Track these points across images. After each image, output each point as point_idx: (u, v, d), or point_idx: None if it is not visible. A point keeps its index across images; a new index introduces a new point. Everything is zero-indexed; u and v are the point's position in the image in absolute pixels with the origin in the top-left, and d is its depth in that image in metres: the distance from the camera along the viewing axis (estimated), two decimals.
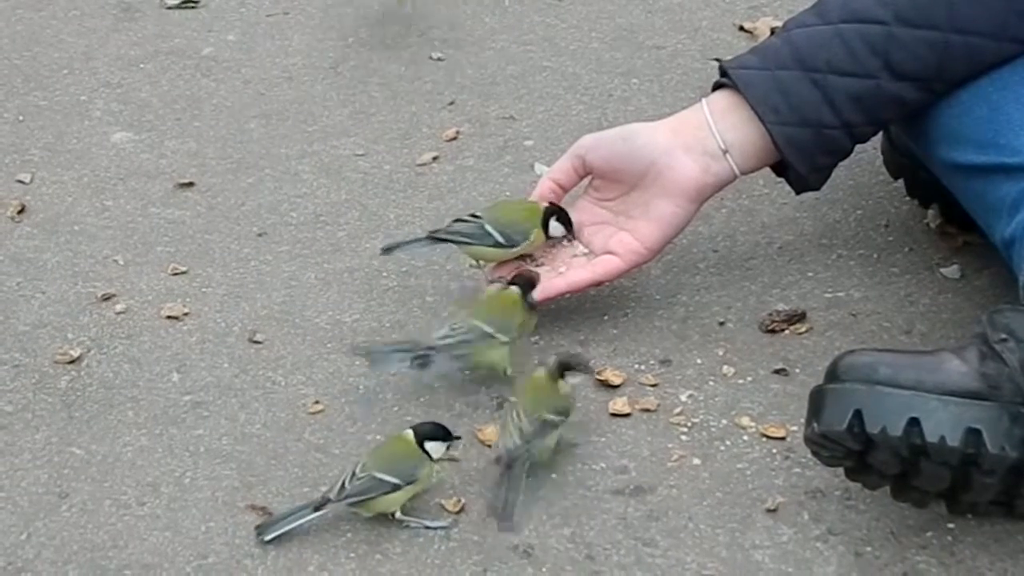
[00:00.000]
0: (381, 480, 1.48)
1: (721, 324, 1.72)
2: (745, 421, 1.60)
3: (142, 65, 2.18)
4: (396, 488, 1.48)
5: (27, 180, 1.97)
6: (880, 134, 1.81)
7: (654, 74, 2.12)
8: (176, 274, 1.82)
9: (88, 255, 1.85)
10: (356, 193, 1.93)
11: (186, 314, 1.76)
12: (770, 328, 1.71)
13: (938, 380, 1.41)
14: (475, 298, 1.67)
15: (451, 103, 2.09)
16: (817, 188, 1.73)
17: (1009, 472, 1.41)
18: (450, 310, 1.68)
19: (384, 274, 1.80)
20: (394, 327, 1.73)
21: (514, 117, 2.05)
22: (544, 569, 1.47)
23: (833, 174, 1.72)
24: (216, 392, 1.66)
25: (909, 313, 1.72)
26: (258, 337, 1.72)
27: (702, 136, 1.68)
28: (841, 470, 1.47)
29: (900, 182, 1.85)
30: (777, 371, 1.66)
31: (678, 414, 1.61)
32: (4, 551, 1.50)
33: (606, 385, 1.64)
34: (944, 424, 1.39)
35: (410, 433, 1.51)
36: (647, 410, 1.62)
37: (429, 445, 1.50)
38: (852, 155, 1.71)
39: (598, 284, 1.71)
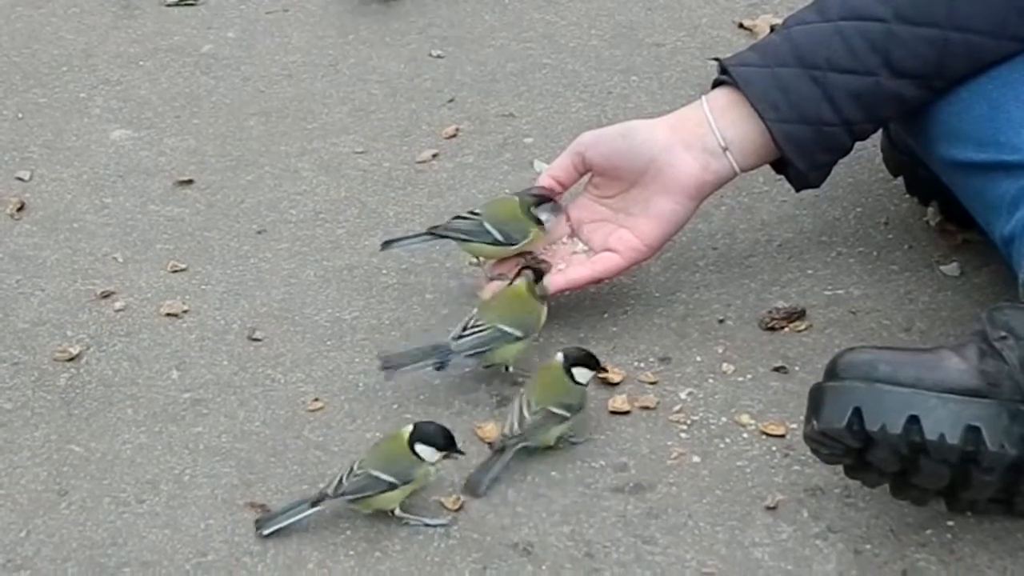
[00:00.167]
0: (377, 478, 1.48)
1: (721, 322, 1.72)
2: (745, 419, 1.60)
3: (141, 62, 2.18)
4: (392, 487, 1.48)
5: (26, 177, 1.97)
6: (880, 132, 1.81)
7: (654, 71, 2.12)
8: (175, 271, 1.82)
9: (87, 252, 1.85)
10: (356, 190, 1.93)
11: (185, 311, 1.76)
12: (770, 326, 1.71)
13: (937, 378, 1.41)
14: (485, 295, 1.67)
15: (451, 100, 2.09)
16: (817, 185, 1.73)
17: (1008, 470, 1.41)
18: (473, 307, 1.67)
19: (384, 271, 1.80)
20: (394, 324, 1.73)
21: (514, 114, 2.05)
22: (544, 567, 1.47)
23: (833, 171, 1.72)
24: (215, 389, 1.66)
25: (908, 311, 1.72)
26: (257, 335, 1.72)
27: (702, 133, 1.68)
28: (840, 468, 1.47)
29: (900, 180, 1.85)
30: (777, 369, 1.66)
31: (678, 412, 1.61)
32: (3, 548, 1.50)
33: (606, 383, 1.64)
34: (943, 422, 1.39)
35: (406, 432, 1.51)
36: (647, 408, 1.62)
37: (420, 448, 1.49)
38: (852, 152, 1.71)
39: (598, 281, 1.71)
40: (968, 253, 1.78)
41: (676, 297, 1.76)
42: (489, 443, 1.57)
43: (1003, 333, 1.43)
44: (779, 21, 2.04)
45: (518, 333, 1.62)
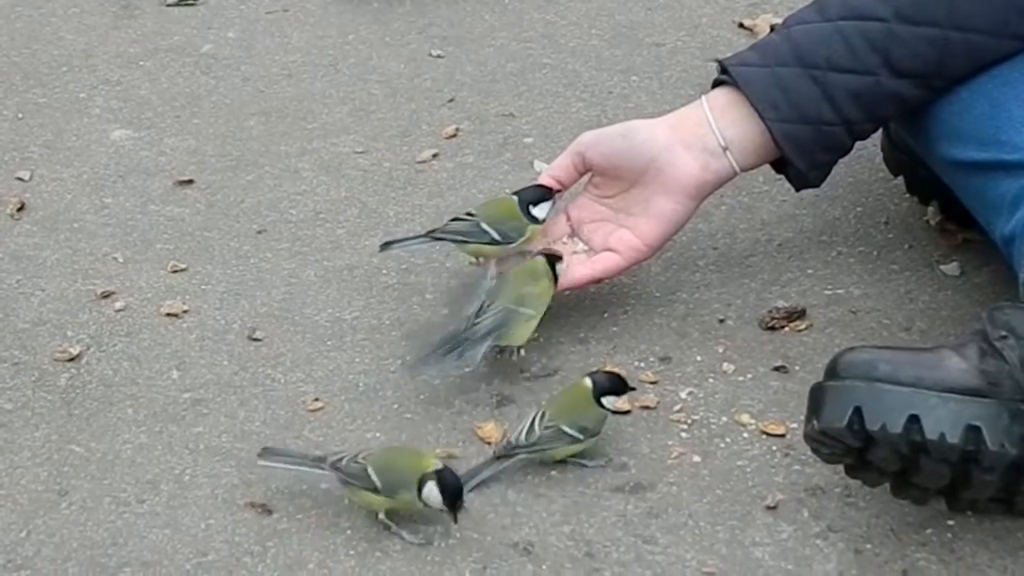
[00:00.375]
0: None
1: (721, 321, 1.72)
2: (745, 418, 1.60)
3: (141, 62, 2.18)
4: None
5: (26, 177, 1.97)
6: (880, 131, 1.81)
7: (654, 71, 2.12)
8: (176, 271, 1.82)
9: (88, 252, 1.85)
10: (356, 190, 1.93)
11: (185, 311, 1.76)
12: (770, 325, 1.71)
13: (938, 377, 1.41)
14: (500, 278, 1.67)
15: (451, 100, 2.09)
16: (817, 185, 1.72)
17: (1009, 469, 1.41)
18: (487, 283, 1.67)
19: (384, 271, 1.80)
20: (394, 324, 1.73)
21: (514, 114, 2.05)
22: (544, 567, 1.47)
23: (833, 171, 1.72)
24: (216, 390, 1.66)
25: (909, 310, 1.72)
26: (258, 334, 1.72)
27: (702, 133, 1.68)
28: (841, 467, 1.47)
29: (900, 179, 1.85)
30: (777, 368, 1.66)
31: (678, 411, 1.61)
32: (4, 549, 1.50)
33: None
34: (944, 421, 1.39)
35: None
36: (647, 407, 1.62)
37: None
38: (852, 152, 1.71)
39: (598, 281, 1.71)
40: (968, 252, 1.78)
41: (676, 297, 1.76)
42: (489, 443, 1.57)
43: (1003, 332, 1.43)
44: (779, 21, 2.04)
45: (531, 312, 1.63)
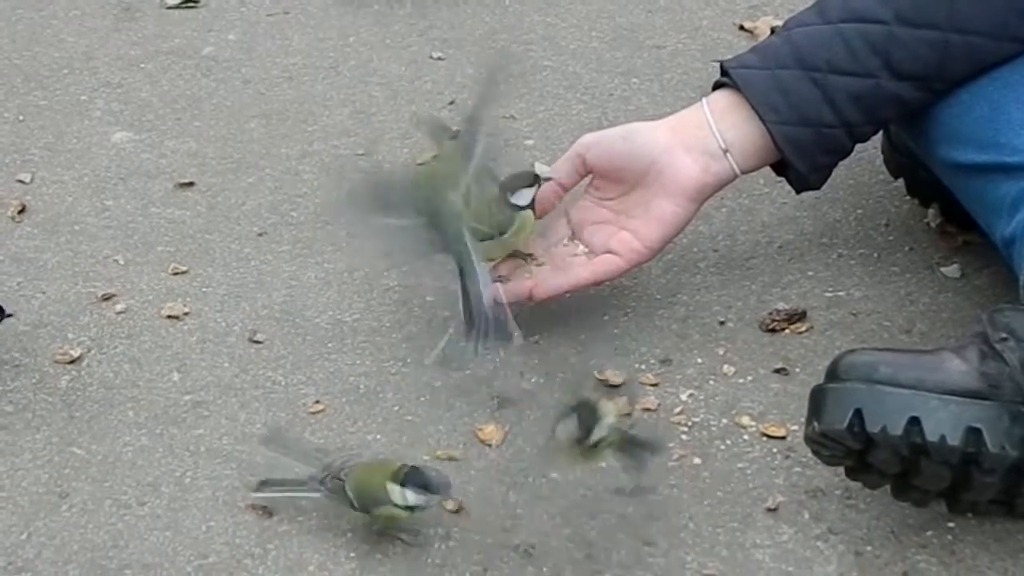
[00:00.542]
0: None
1: (721, 323, 1.72)
2: (745, 420, 1.60)
3: (142, 65, 2.19)
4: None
5: (27, 180, 1.97)
6: (880, 133, 1.81)
7: (654, 73, 2.12)
8: (176, 274, 1.82)
9: (88, 255, 1.85)
10: None
11: (186, 314, 1.76)
12: (770, 327, 1.71)
13: (938, 379, 1.41)
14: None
15: (451, 102, 2.09)
16: (817, 187, 1.73)
17: (1009, 471, 1.41)
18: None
19: (384, 274, 1.80)
20: (394, 327, 1.73)
21: (514, 116, 2.05)
22: (544, 569, 1.47)
23: (833, 173, 1.72)
24: (216, 392, 1.66)
25: (909, 312, 1.72)
26: (258, 337, 1.73)
27: (702, 135, 1.68)
28: (841, 469, 1.47)
29: (900, 181, 1.85)
30: (777, 370, 1.66)
31: (678, 413, 1.61)
32: (4, 551, 1.50)
33: (606, 385, 1.64)
34: (944, 423, 1.39)
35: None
36: (647, 409, 1.62)
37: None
38: (852, 154, 1.71)
39: (598, 283, 1.71)
40: (969, 255, 1.78)
41: (677, 299, 1.76)
42: (490, 445, 1.57)
43: (1004, 335, 1.43)
44: (779, 23, 2.05)
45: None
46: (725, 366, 1.66)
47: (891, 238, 1.83)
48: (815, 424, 1.43)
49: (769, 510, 1.51)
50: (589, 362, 1.67)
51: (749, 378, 1.65)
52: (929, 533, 1.48)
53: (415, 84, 2.13)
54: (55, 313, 1.76)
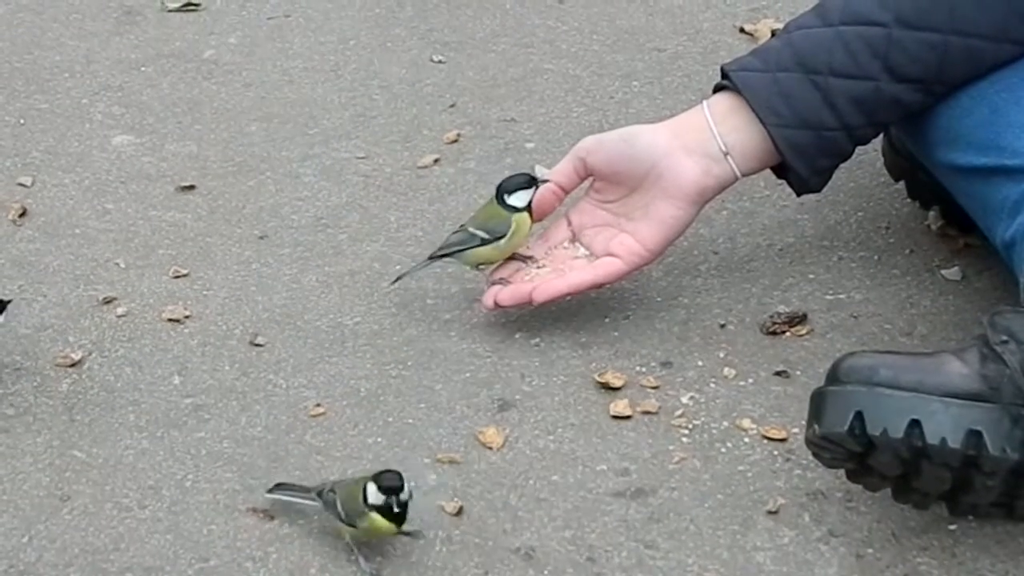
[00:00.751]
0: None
1: (722, 326, 1.72)
2: (746, 423, 1.60)
3: (143, 68, 2.19)
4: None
5: (28, 183, 1.97)
6: (881, 136, 1.81)
7: (655, 76, 2.12)
8: (177, 277, 1.82)
9: (89, 258, 1.85)
10: (357, 196, 1.94)
11: (187, 317, 1.76)
12: (771, 330, 1.71)
13: (939, 382, 1.41)
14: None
15: (452, 105, 2.09)
16: (818, 190, 1.73)
17: (1010, 474, 1.41)
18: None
19: (385, 277, 1.80)
20: (395, 330, 1.73)
21: (515, 119, 2.05)
22: (545, 571, 1.47)
23: (834, 176, 1.72)
24: (217, 395, 1.66)
25: (910, 315, 1.72)
26: (259, 340, 1.73)
27: (703, 138, 1.68)
28: (842, 472, 1.47)
29: (901, 184, 1.85)
30: (778, 373, 1.66)
31: (679, 416, 1.61)
32: (6, 554, 1.50)
33: (607, 387, 1.64)
34: (945, 426, 1.39)
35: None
36: (648, 412, 1.62)
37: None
38: (853, 157, 1.71)
39: (599, 286, 1.71)
40: (969, 257, 1.78)
41: (677, 302, 1.76)
42: (491, 448, 1.58)
43: (1004, 337, 1.43)
44: (780, 26, 2.05)
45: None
46: (726, 369, 1.66)
47: (892, 241, 1.83)
48: (816, 427, 1.43)
49: (770, 513, 1.51)
50: (590, 365, 1.67)
51: (750, 381, 1.65)
52: (930, 535, 1.48)
53: (416, 87, 2.13)
54: (56, 316, 1.76)
